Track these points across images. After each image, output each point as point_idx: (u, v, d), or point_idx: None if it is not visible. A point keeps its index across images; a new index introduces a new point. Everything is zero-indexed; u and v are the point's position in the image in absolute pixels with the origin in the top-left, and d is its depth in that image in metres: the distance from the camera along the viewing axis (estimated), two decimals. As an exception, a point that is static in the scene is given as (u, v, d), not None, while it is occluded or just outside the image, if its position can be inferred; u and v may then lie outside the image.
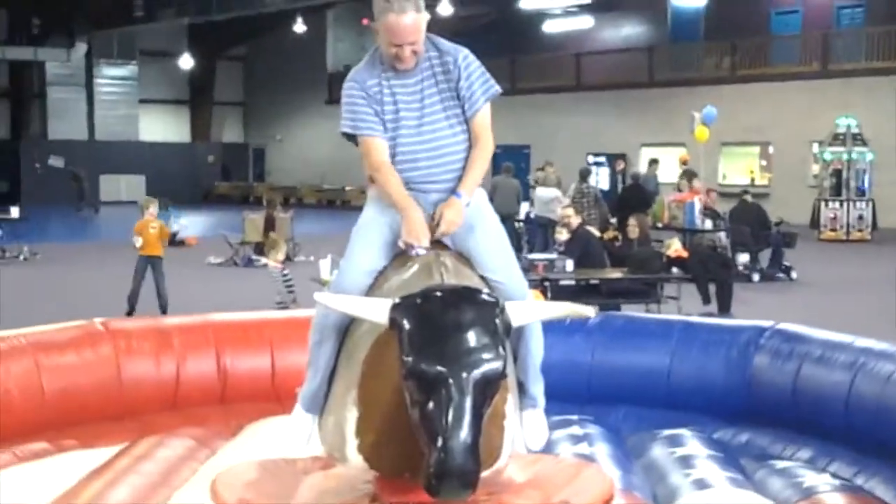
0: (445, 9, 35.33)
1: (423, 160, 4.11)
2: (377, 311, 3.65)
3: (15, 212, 23.89)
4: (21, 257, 20.19)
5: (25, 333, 5.85)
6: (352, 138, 4.23)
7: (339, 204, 40.61)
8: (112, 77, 45.64)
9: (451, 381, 3.37)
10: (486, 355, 3.44)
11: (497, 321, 3.55)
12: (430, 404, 3.39)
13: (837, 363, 5.47)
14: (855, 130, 25.65)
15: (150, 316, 6.92)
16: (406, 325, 3.51)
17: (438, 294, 3.61)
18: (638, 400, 6.20)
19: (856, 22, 33.60)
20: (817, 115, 29.06)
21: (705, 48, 35.26)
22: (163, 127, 47.76)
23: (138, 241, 12.92)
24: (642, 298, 11.82)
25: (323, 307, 3.93)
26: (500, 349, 3.50)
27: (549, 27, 40.89)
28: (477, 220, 4.15)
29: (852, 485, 4.94)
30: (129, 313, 12.35)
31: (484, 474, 3.99)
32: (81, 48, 42.00)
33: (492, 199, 4.45)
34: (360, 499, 4.26)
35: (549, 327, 6.08)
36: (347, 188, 40.23)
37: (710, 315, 11.45)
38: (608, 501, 4.43)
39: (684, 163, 22.66)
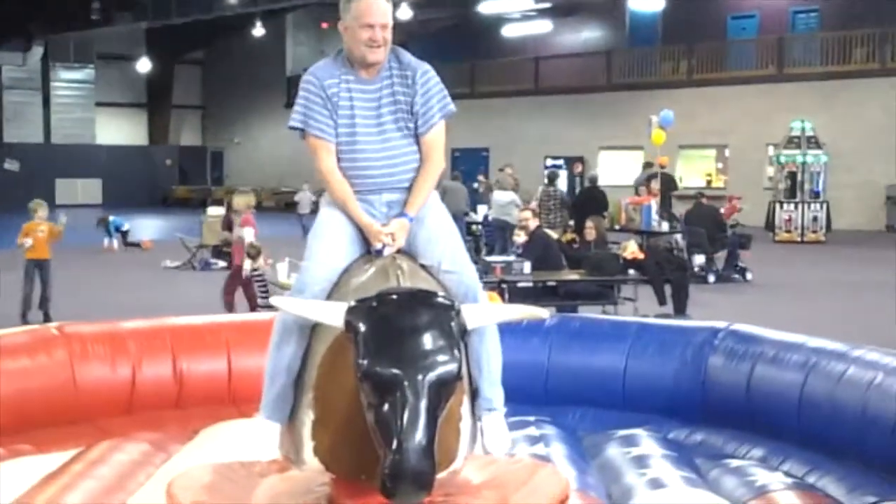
0: (405, 13, 35.33)
1: (378, 166, 4.12)
2: (333, 315, 3.66)
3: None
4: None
5: (-22, 338, 5.81)
6: (300, 132, 4.21)
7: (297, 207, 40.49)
8: (68, 80, 45.44)
9: (406, 383, 3.38)
10: (441, 357, 3.46)
11: (452, 324, 3.57)
12: (386, 407, 3.40)
13: (790, 363, 5.53)
14: (809, 133, 25.90)
15: (105, 320, 6.82)
16: (361, 328, 3.52)
17: (394, 297, 3.63)
18: (594, 401, 6.23)
19: (811, 26, 33.96)
20: (773, 118, 29.38)
21: (663, 52, 35.53)
22: (120, 130, 47.56)
23: (28, 243, 12.91)
24: (599, 300, 11.87)
25: (295, 316, 3.91)
26: (456, 351, 3.51)
27: (508, 31, 41.04)
28: (427, 213, 4.17)
29: (804, 483, 4.99)
30: (24, 317, 12.44)
31: (440, 476, 4.01)
32: (38, 51, 41.77)
33: (441, 200, 4.47)
34: (316, 501, 4.26)
35: (506, 329, 6.10)
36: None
37: (666, 316, 11.52)
38: (564, 501, 4.46)
39: (663, 166, 22.78)
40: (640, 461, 5.16)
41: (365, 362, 3.45)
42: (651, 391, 6.12)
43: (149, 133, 49.05)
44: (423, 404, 3.38)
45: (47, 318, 11.99)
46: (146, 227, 32.26)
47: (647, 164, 23.15)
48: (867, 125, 29.30)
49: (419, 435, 3.33)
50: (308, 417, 4.00)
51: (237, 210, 12.53)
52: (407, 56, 4.20)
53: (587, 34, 39.27)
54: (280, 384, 3.98)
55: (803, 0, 34.24)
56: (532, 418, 5.90)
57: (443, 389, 3.47)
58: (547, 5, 37.10)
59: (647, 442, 5.48)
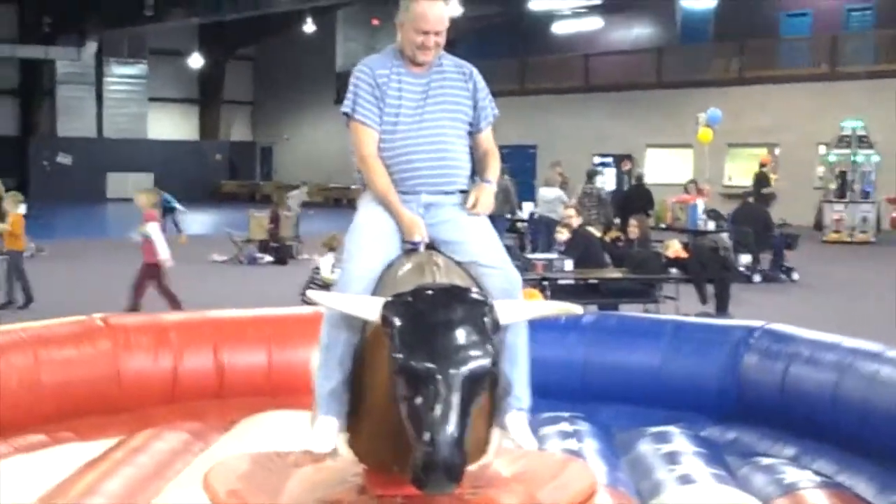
0: (455, 9, 35.35)
1: (419, 159, 4.17)
2: (369, 309, 3.72)
3: (23, 208, 23.99)
4: (28, 253, 20.29)
5: (25, 328, 5.96)
6: (347, 118, 4.29)
7: (346, 203, 40.71)
8: (121, 76, 45.88)
9: (439, 377, 3.44)
10: (474, 352, 3.51)
11: (486, 319, 3.61)
12: (419, 399, 3.46)
13: (825, 363, 5.55)
14: (860, 133, 25.67)
15: (149, 313, 6.96)
16: (397, 322, 3.58)
17: (429, 292, 3.68)
18: (629, 398, 6.28)
19: (865, 24, 33.63)
20: (824, 117, 29.10)
21: (714, 50, 35.30)
22: (171, 125, 47.98)
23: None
24: (640, 298, 11.87)
25: (331, 316, 3.97)
26: (489, 346, 3.56)
27: (559, 28, 40.98)
28: (462, 212, 4.22)
29: (833, 481, 5.01)
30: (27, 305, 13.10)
31: (471, 468, 4.08)
32: (92, 47, 42.16)
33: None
34: (348, 491, 4.34)
35: (544, 325, 6.18)
36: (353, 187, 40.27)
37: (707, 315, 11.50)
38: (591, 496, 4.51)
39: (763, 165, 22.81)
40: (671, 458, 5.20)
41: (400, 356, 3.51)
42: (686, 389, 6.16)
43: (200, 128, 49.42)
44: (456, 398, 3.44)
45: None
46: (196, 221, 32.63)
47: (762, 164, 23.09)
48: (919, 125, 28.98)
49: (451, 428, 3.39)
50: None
51: (141, 207, 12.34)
52: (455, 58, 4.33)
53: (638, 31, 39.14)
54: (336, 381, 4.01)
55: (858, -2, 33.96)
56: (566, 414, 5.96)
57: (476, 384, 3.52)
58: (598, 2, 36.99)
59: (678, 439, 5.52)
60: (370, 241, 4.13)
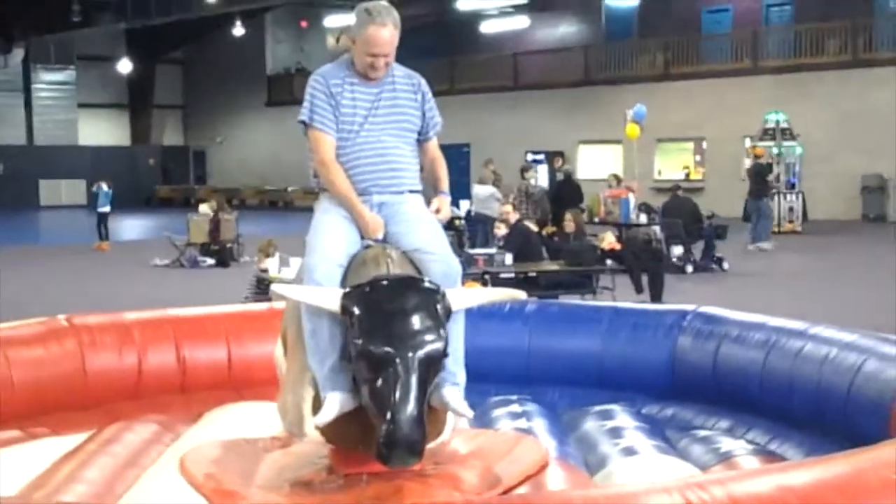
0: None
1: (370, 163, 4.44)
2: (329, 300, 4.02)
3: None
4: (-34, 262, 20.29)
5: (-4, 329, 6.18)
6: (304, 127, 4.52)
7: (282, 205, 40.86)
8: (50, 82, 45.54)
9: (398, 360, 3.76)
10: (429, 337, 3.84)
11: (438, 306, 3.95)
12: (380, 382, 3.77)
13: (753, 341, 5.97)
14: (784, 125, 26.34)
15: (112, 312, 7.21)
16: (356, 311, 3.89)
17: (385, 283, 4.00)
18: (572, 380, 6.65)
19: (784, 20, 34.44)
20: (749, 110, 29.73)
21: (639, 46, 35.93)
22: (102, 131, 47.65)
23: None
24: (578, 289, 12.28)
25: (308, 306, 4.18)
26: (442, 331, 3.89)
27: (487, 28, 41.40)
28: (405, 204, 4.49)
29: (765, 449, 5.42)
30: None
31: (430, 446, 4.43)
32: (18, 54, 41.91)
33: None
34: (317, 472, 4.65)
35: (490, 314, 6.58)
36: (290, 189, 40.49)
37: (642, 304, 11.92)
38: (543, 468, 4.87)
39: (758, 156, 23.36)
40: (615, 432, 5.57)
41: (360, 342, 3.82)
42: (625, 370, 6.55)
43: (131, 133, 49.17)
44: (414, 379, 3.75)
45: None
46: (133, 226, 32.60)
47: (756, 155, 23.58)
48: (841, 116, 29.80)
49: (411, 406, 3.72)
50: (308, 394, 4.36)
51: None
52: (405, 69, 4.62)
53: (564, 29, 39.69)
54: (332, 359, 4.17)
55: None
56: (515, 397, 6.32)
57: (431, 366, 3.85)
58: (523, 1, 37.50)
59: (621, 416, 5.91)
60: (331, 235, 4.37)
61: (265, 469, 4.84)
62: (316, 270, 4.27)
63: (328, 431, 4.37)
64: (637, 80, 34.18)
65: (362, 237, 4.39)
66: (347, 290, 4.03)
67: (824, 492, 3.24)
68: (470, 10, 38.37)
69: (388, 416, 3.70)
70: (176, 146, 49.78)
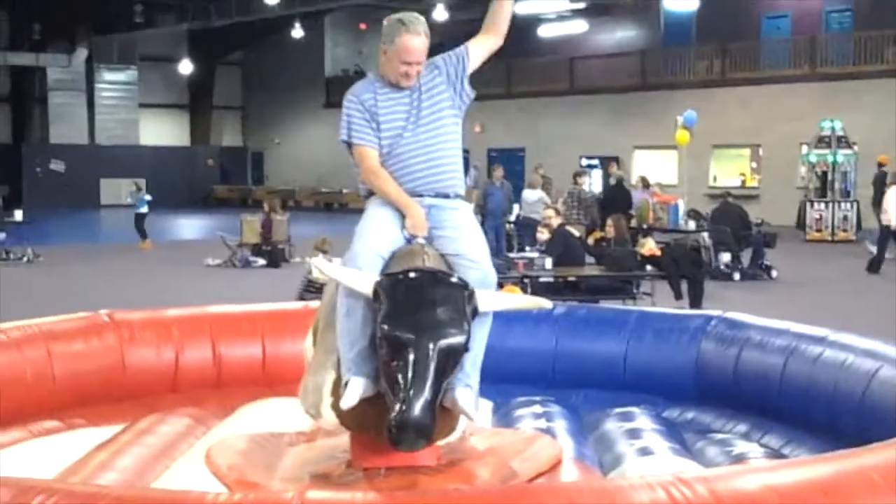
0: (440, 14, 35.91)
1: (418, 165, 4.63)
2: (363, 284, 4.24)
3: (19, 215, 24.49)
4: (25, 259, 20.77)
5: (39, 323, 6.41)
6: (347, 146, 4.76)
7: (337, 207, 41.18)
8: (112, 82, 46.16)
9: (419, 346, 3.96)
10: (451, 329, 4.03)
11: (465, 302, 4.13)
12: (398, 365, 3.97)
13: (774, 347, 6.06)
14: (839, 133, 26.14)
15: (152, 308, 7.45)
16: (386, 296, 4.10)
17: (416, 273, 4.21)
18: (597, 383, 6.77)
19: (844, 26, 34.16)
20: (806, 117, 29.49)
21: (697, 52, 35.74)
22: (163, 131, 48.27)
23: None
24: (619, 295, 12.37)
25: (346, 286, 4.38)
26: (465, 325, 4.08)
27: (544, 31, 41.39)
28: (454, 214, 4.67)
29: (778, 452, 5.51)
30: None
31: (440, 442, 4.59)
32: (82, 53, 42.53)
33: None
34: (337, 465, 4.84)
35: (519, 318, 6.72)
36: (345, 191, 40.79)
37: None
38: (557, 465, 5.03)
39: (882, 164, 23.33)
40: (633, 434, 5.68)
41: (386, 326, 4.03)
42: (649, 374, 6.66)
43: (191, 134, 49.77)
44: (431, 367, 3.94)
45: None
46: (189, 225, 33.09)
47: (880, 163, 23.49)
48: (898, 125, 29.50)
49: (425, 392, 3.90)
50: (330, 377, 4.57)
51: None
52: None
53: (622, 34, 39.60)
54: (361, 345, 4.35)
55: (836, 0, 34.42)
56: (538, 398, 6.45)
57: (450, 357, 4.03)
58: (582, 6, 37.49)
59: (641, 418, 6.01)
60: (377, 228, 4.57)
61: (288, 462, 5.04)
62: (359, 258, 4.47)
63: (344, 414, 4.53)
64: (694, 85, 34.06)
65: (407, 236, 4.56)
66: (381, 276, 4.22)
67: (807, 492, 3.34)
68: (528, 14, 38.39)
69: (402, 398, 3.88)
70: (234, 147, 50.29)
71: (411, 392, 3.87)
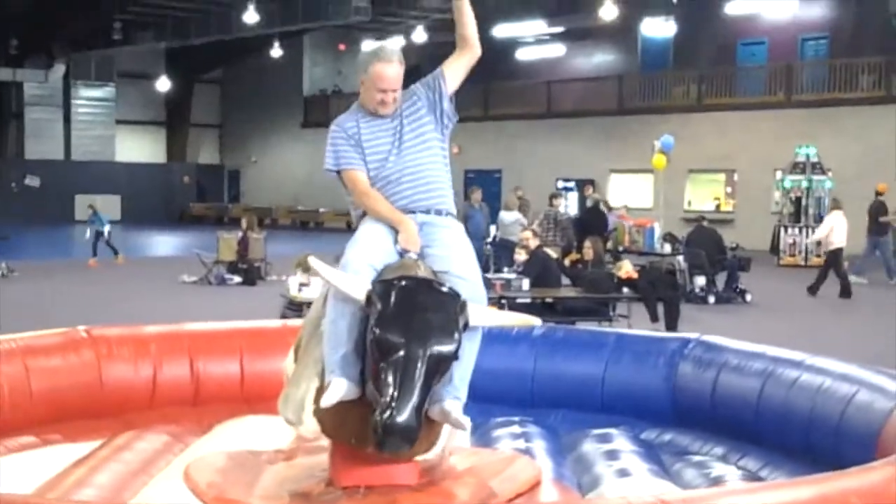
0: (420, 36, 36.09)
1: (402, 183, 4.69)
2: (356, 288, 4.28)
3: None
4: (0, 273, 20.65)
5: (16, 338, 6.38)
6: (337, 175, 4.83)
7: (313, 225, 41.16)
8: (89, 98, 46.10)
9: (409, 350, 4.00)
10: (442, 336, 4.08)
11: (457, 312, 4.17)
12: (388, 369, 4.00)
13: (751, 370, 6.10)
14: (814, 159, 26.31)
15: (129, 325, 7.43)
16: (379, 301, 4.13)
17: (410, 280, 4.25)
18: (575, 404, 6.79)
19: (820, 53, 34.47)
20: (781, 143, 29.71)
21: (673, 77, 35.98)
22: (139, 148, 48.20)
23: None
24: (595, 317, 12.39)
25: (336, 293, 4.42)
26: (456, 335, 4.12)
27: (522, 55, 41.62)
28: (444, 230, 4.74)
29: (756, 475, 5.54)
30: None
31: (421, 458, 4.61)
32: (59, 69, 42.41)
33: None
34: (316, 484, 4.83)
35: (497, 337, 6.73)
36: (321, 210, 40.80)
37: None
38: (536, 486, 5.04)
39: (880, 193, 23.37)
40: (611, 455, 5.71)
41: (378, 330, 4.07)
42: (627, 395, 6.68)
43: (167, 151, 49.67)
44: (420, 371, 3.98)
45: None
46: (165, 242, 32.98)
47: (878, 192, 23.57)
48: (872, 151, 29.73)
49: (413, 395, 3.94)
50: (313, 385, 4.61)
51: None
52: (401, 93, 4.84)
53: (599, 58, 39.83)
54: (345, 349, 4.41)
55: (812, 27, 34.73)
56: (517, 418, 6.47)
57: (440, 364, 4.07)
58: (560, 30, 37.70)
59: (619, 439, 6.04)
60: (371, 240, 4.62)
61: (267, 480, 5.02)
62: (351, 265, 4.52)
63: (326, 421, 4.58)
64: (670, 110, 34.24)
65: (399, 251, 4.60)
66: (374, 282, 4.27)
67: (788, 513, 3.37)
68: (506, 38, 38.58)
69: (390, 400, 3.91)
70: (211, 165, 50.25)
71: (399, 395, 3.91)
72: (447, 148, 4.89)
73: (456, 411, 4.42)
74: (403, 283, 4.20)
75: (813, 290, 18.75)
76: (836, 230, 19.62)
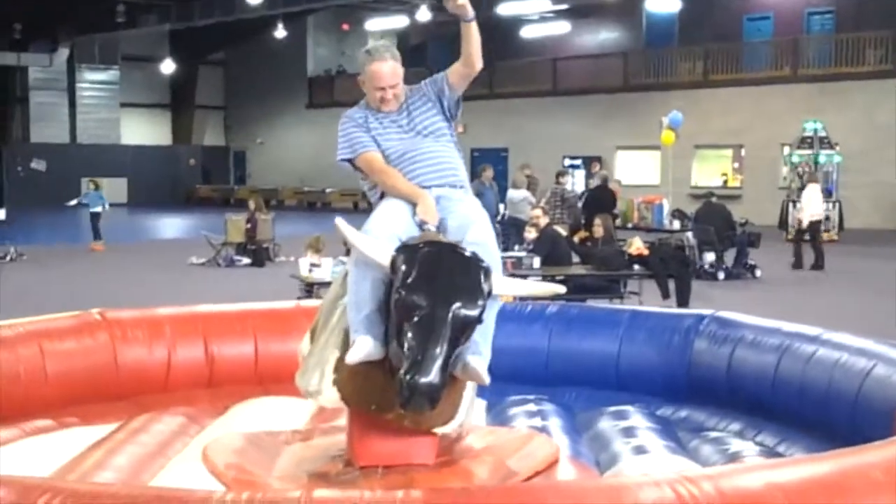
0: (424, 15, 35.95)
1: (417, 163, 4.77)
2: (382, 254, 4.29)
3: (1, 214, 24.33)
4: (8, 258, 20.67)
5: (30, 322, 6.39)
6: (350, 164, 4.91)
7: (320, 206, 41.16)
8: (94, 81, 46.03)
9: (434, 310, 4.00)
10: (467, 300, 4.06)
11: (482, 278, 4.17)
12: (413, 329, 4.00)
13: (767, 346, 6.08)
14: (822, 134, 26.23)
15: (140, 307, 7.43)
16: (404, 265, 4.14)
17: (436, 245, 4.28)
18: (590, 381, 6.79)
19: (826, 28, 34.32)
20: (788, 118, 29.66)
21: (679, 53, 35.87)
22: (144, 130, 48.18)
23: None
24: (606, 294, 12.39)
25: (360, 253, 4.44)
26: (480, 300, 4.11)
27: (527, 32, 41.49)
28: (460, 202, 4.79)
29: (773, 450, 5.54)
30: None
31: (440, 430, 4.62)
32: (63, 53, 42.40)
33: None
34: (334, 464, 4.84)
35: (511, 316, 6.72)
36: (328, 190, 40.78)
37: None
38: (554, 463, 5.04)
39: None
40: (628, 432, 5.70)
41: (403, 291, 4.07)
42: (642, 372, 6.68)
43: (172, 133, 49.70)
44: (446, 331, 3.98)
45: None
46: (172, 225, 33.00)
47: None
48: (880, 126, 29.67)
49: (438, 354, 3.93)
50: (333, 355, 4.63)
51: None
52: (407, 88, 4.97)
53: (605, 35, 39.72)
54: (367, 310, 4.43)
55: (818, 1, 34.59)
56: (532, 396, 6.46)
57: (462, 327, 4.06)
58: (565, 7, 37.54)
59: (635, 416, 6.03)
60: (391, 211, 4.67)
61: (285, 461, 5.03)
62: (373, 234, 4.54)
63: (346, 389, 4.59)
64: (676, 86, 34.15)
65: (418, 222, 4.64)
66: (398, 247, 4.27)
67: (811, 490, 3.35)
68: (511, 15, 38.46)
69: (414, 359, 3.91)
70: (216, 146, 50.21)
71: (424, 354, 3.91)
72: (455, 135, 5.00)
73: (480, 367, 4.43)
74: (428, 248, 4.22)
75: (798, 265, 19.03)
76: (813, 203, 20.00)
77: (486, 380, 4.46)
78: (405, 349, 3.99)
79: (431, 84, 4.95)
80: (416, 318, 3.99)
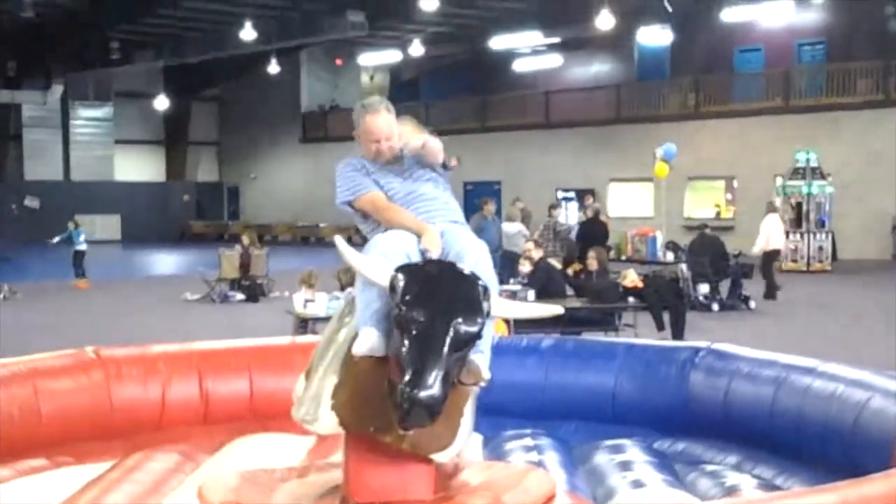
0: (417, 49, 36.12)
1: (418, 203, 4.82)
2: (381, 274, 4.32)
3: (-3, 252, 24.25)
4: (2, 296, 20.64)
5: (25, 360, 6.36)
6: (350, 206, 4.93)
7: (314, 241, 41.16)
8: (88, 118, 46.11)
9: (433, 325, 4.03)
10: (466, 317, 4.10)
11: (482, 298, 4.21)
12: (414, 343, 4.03)
13: (763, 378, 6.07)
14: (814, 164, 26.32)
15: (138, 345, 7.41)
16: (403, 282, 4.17)
17: (436, 263, 4.35)
18: (586, 415, 6.77)
19: (817, 58, 34.51)
20: (780, 149, 29.74)
21: (671, 85, 36.04)
22: (138, 167, 48.19)
23: None
24: (601, 326, 12.38)
25: (363, 274, 4.47)
26: (479, 318, 4.16)
27: (519, 66, 41.70)
28: (459, 235, 4.80)
29: (770, 483, 5.51)
30: None
31: (436, 456, 4.60)
32: (57, 90, 42.39)
33: None
34: (331, 501, 4.81)
35: (507, 350, 6.71)
36: (321, 225, 40.80)
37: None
38: (550, 499, 5.01)
39: None
40: (624, 466, 5.69)
41: (403, 308, 4.10)
42: (638, 406, 6.66)
43: (166, 169, 49.70)
44: (444, 348, 4.01)
45: None
46: (166, 261, 32.96)
47: None
48: (872, 156, 29.78)
49: (437, 368, 3.96)
50: (331, 382, 4.64)
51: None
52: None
53: (597, 68, 39.91)
54: (375, 306, 4.45)
55: (809, 32, 34.78)
56: (528, 430, 6.44)
57: (462, 343, 4.09)
58: (557, 40, 37.76)
59: (632, 450, 6.01)
60: (395, 237, 4.69)
61: (281, 498, 5.00)
62: (382, 249, 4.59)
63: (343, 412, 4.58)
64: (668, 118, 34.27)
65: (421, 248, 4.66)
66: (399, 266, 4.30)
67: (810, 522, 3.35)
68: (503, 49, 38.67)
69: (414, 373, 3.94)
70: (210, 182, 50.24)
71: (425, 366, 3.94)
72: (449, 185, 5.07)
73: (481, 363, 4.46)
74: (428, 266, 4.29)
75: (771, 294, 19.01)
76: (773, 233, 20.13)
77: (487, 375, 4.49)
78: (405, 363, 4.01)
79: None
80: (415, 332, 4.03)
